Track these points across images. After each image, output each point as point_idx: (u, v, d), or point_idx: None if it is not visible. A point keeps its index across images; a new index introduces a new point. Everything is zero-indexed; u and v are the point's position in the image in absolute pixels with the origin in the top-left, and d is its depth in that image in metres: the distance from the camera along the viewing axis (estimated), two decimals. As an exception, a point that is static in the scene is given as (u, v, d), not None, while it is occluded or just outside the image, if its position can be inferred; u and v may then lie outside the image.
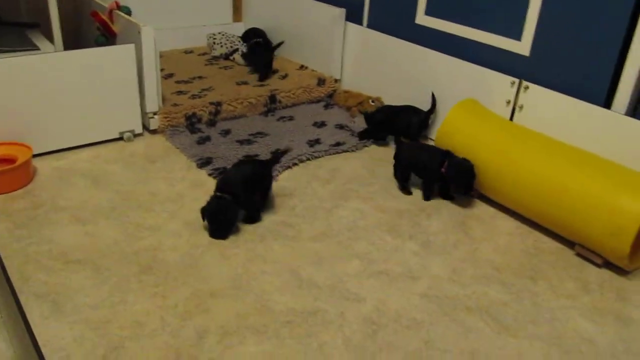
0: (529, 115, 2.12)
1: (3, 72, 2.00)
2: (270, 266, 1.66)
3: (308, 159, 2.28)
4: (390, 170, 2.19)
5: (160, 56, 2.53)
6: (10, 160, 1.98)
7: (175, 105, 2.47)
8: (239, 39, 3.23)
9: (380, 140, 2.48)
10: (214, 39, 3.24)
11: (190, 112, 2.46)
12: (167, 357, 1.33)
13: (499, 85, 2.20)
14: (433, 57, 2.44)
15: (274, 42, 3.16)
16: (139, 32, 2.23)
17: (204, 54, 3.25)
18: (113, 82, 2.23)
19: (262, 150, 2.29)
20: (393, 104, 2.58)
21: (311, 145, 2.37)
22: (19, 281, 1.53)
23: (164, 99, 2.47)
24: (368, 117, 2.46)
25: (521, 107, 2.14)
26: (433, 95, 2.41)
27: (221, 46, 3.19)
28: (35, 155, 2.11)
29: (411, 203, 2.04)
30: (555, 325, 1.50)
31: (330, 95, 2.87)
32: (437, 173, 1.99)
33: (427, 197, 2.06)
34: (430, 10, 2.46)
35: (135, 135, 2.38)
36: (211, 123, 2.51)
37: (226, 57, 3.17)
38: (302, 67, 3.04)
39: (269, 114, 2.66)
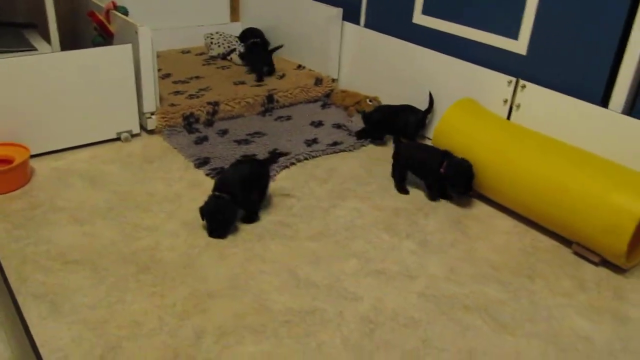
0: (526, 114, 2.13)
1: (0, 73, 2.00)
2: (268, 266, 1.66)
3: (305, 159, 2.29)
4: (388, 169, 2.19)
5: (158, 56, 2.53)
6: (7, 161, 1.98)
7: (172, 105, 2.47)
8: (237, 39, 3.23)
9: (378, 140, 2.49)
10: (212, 39, 3.24)
11: (188, 112, 2.46)
12: (164, 356, 1.33)
13: (496, 84, 2.20)
14: (430, 57, 2.45)
15: (272, 41, 3.16)
16: (136, 32, 2.23)
17: (202, 54, 3.25)
18: (110, 83, 2.23)
19: (259, 150, 2.29)
20: (390, 103, 2.58)
21: (309, 145, 2.37)
22: (17, 282, 1.53)
23: (161, 99, 2.47)
24: (365, 116, 2.46)
25: (518, 106, 2.15)
26: (430, 94, 2.41)
27: (218, 46, 3.19)
28: (32, 156, 2.11)
29: (408, 202, 2.04)
30: (553, 323, 1.51)
31: (328, 95, 2.87)
32: (436, 173, 2.00)
33: (432, 198, 2.06)
34: (428, 10, 2.46)
35: (133, 136, 2.38)
36: (209, 123, 2.51)
37: (223, 57, 3.17)
38: (299, 66, 3.04)
39: (266, 114, 2.66)
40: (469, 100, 2.19)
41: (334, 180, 2.15)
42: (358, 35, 2.78)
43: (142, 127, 2.42)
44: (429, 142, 2.32)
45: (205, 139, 2.37)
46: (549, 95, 2.04)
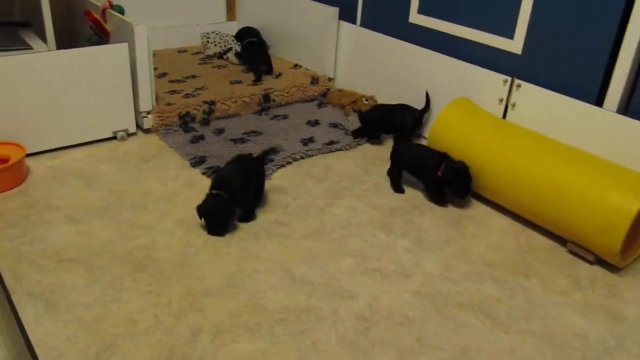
0: (522, 113, 2.13)
1: (-4, 72, 2.00)
2: (263, 264, 1.66)
3: (302, 158, 2.29)
4: (384, 168, 2.19)
5: (154, 55, 2.52)
6: (3, 160, 1.98)
7: (168, 104, 2.47)
8: (233, 38, 3.23)
9: (374, 139, 2.49)
10: (208, 38, 3.24)
11: (184, 111, 2.47)
12: (160, 355, 1.33)
13: (491, 84, 2.21)
14: (426, 56, 2.45)
15: (268, 41, 3.16)
16: (132, 31, 2.23)
17: (198, 53, 3.25)
18: (106, 82, 2.23)
19: (255, 149, 2.29)
20: (387, 102, 2.59)
21: (305, 144, 2.37)
22: (12, 281, 1.53)
23: (157, 98, 2.47)
24: (362, 115, 2.47)
25: (513, 105, 2.15)
26: (427, 93, 2.41)
27: (215, 45, 3.19)
28: (28, 155, 2.11)
29: (404, 201, 2.05)
30: (548, 321, 1.51)
31: (324, 94, 2.87)
32: (433, 176, 1.99)
33: (435, 201, 2.04)
34: (423, 9, 2.47)
35: (129, 135, 2.38)
36: (205, 122, 2.51)
37: (220, 56, 3.17)
38: (295, 65, 3.04)
39: (262, 113, 2.66)
40: (465, 100, 2.19)
41: (330, 179, 2.15)
42: (354, 34, 2.79)
43: (138, 126, 2.42)
44: (424, 141, 2.32)
45: (201, 137, 2.37)
46: (544, 95, 2.05)
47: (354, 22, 2.81)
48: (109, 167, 2.14)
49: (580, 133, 1.96)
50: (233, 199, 1.79)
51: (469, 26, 2.30)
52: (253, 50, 2.99)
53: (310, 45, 2.96)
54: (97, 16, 2.50)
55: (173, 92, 2.62)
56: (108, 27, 2.50)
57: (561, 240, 1.85)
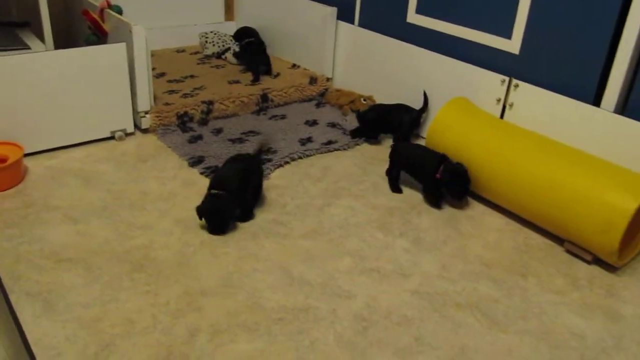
0: (519, 113, 2.14)
1: (-7, 72, 2.00)
2: (261, 264, 1.66)
3: (300, 158, 2.29)
4: (382, 168, 2.19)
5: (152, 55, 2.52)
6: (1, 160, 1.98)
7: (167, 104, 2.47)
8: (231, 38, 3.23)
9: (372, 139, 2.49)
10: (206, 38, 3.24)
11: (182, 111, 2.47)
12: (158, 354, 1.33)
13: (489, 84, 2.21)
14: (424, 56, 2.45)
15: (266, 41, 3.16)
16: (130, 31, 2.23)
17: (196, 53, 3.25)
18: (104, 81, 2.23)
19: (253, 149, 2.29)
20: (385, 102, 2.59)
21: (303, 144, 2.37)
22: (10, 280, 1.53)
23: (155, 98, 2.47)
24: (360, 115, 2.47)
25: (511, 105, 2.16)
26: (425, 93, 2.42)
27: (213, 45, 3.19)
28: (26, 155, 2.11)
29: (402, 200, 2.05)
30: (545, 320, 1.52)
31: (322, 94, 2.88)
32: (432, 177, 1.99)
33: (431, 203, 2.03)
34: (421, 9, 2.47)
35: (127, 135, 2.38)
36: (203, 122, 2.51)
37: (218, 56, 3.17)
38: (294, 65, 3.04)
39: (261, 113, 2.67)
40: (463, 100, 2.19)
41: (328, 179, 2.15)
42: (352, 34, 2.79)
43: (136, 126, 2.42)
44: (422, 141, 2.32)
45: (199, 137, 2.37)
46: (541, 95, 2.05)
47: (352, 22, 2.81)
48: (107, 167, 2.14)
49: (577, 133, 1.96)
50: (232, 197, 1.79)
51: (466, 26, 2.30)
52: (252, 50, 2.99)
53: (308, 45, 2.96)
54: (95, 16, 2.50)
55: (171, 92, 2.62)
56: (106, 27, 2.50)
57: (559, 240, 1.85)
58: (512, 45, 2.16)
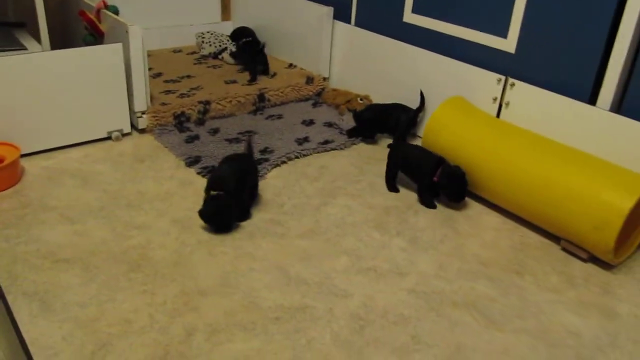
0: (515, 112, 2.14)
1: (-10, 72, 2.00)
2: (258, 263, 1.66)
3: (297, 157, 2.29)
4: (379, 168, 2.20)
5: (149, 55, 2.53)
6: (-3, 160, 1.98)
7: (163, 104, 2.47)
8: (228, 38, 3.23)
9: (369, 138, 2.50)
10: (203, 38, 3.24)
11: (179, 111, 2.47)
12: (155, 354, 1.33)
13: (485, 83, 2.22)
14: (420, 55, 2.46)
15: (263, 40, 3.16)
16: (127, 32, 2.23)
17: (193, 53, 3.25)
18: (101, 82, 2.23)
19: (254, 150, 2.29)
20: (381, 102, 2.59)
21: (300, 144, 2.37)
22: (7, 280, 1.53)
23: (152, 98, 2.47)
24: (357, 115, 2.47)
25: (507, 104, 2.16)
26: (421, 93, 2.42)
27: (210, 45, 3.19)
28: (23, 155, 2.11)
29: (399, 200, 2.05)
30: (542, 319, 1.52)
31: (319, 94, 2.88)
32: (429, 180, 1.99)
33: (426, 204, 2.03)
34: (418, 9, 2.48)
35: (124, 135, 2.37)
36: (200, 122, 2.51)
37: (215, 56, 3.17)
38: (290, 65, 3.05)
39: (257, 113, 2.67)
40: (459, 99, 2.20)
41: (324, 179, 2.15)
42: (349, 34, 2.79)
43: (133, 126, 2.42)
44: (419, 140, 2.32)
45: (196, 137, 2.38)
46: (537, 93, 2.06)
47: (349, 22, 2.81)
48: (103, 167, 2.14)
49: (573, 131, 1.97)
50: (230, 196, 1.79)
51: (462, 25, 2.31)
52: (250, 50, 2.99)
53: (305, 45, 2.96)
54: (92, 16, 2.50)
55: (168, 92, 2.62)
56: (103, 27, 2.50)
57: (555, 238, 1.86)
58: (508, 44, 2.16)
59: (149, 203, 1.92)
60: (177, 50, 3.28)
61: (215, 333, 1.40)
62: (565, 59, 2.01)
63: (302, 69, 2.99)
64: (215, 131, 2.44)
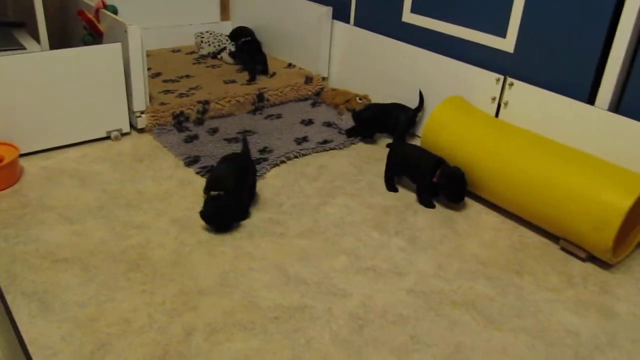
0: (514, 112, 2.14)
1: (-11, 72, 2.00)
2: (257, 263, 1.67)
3: (295, 157, 2.29)
4: (378, 167, 2.20)
5: (148, 55, 2.53)
6: (-4, 160, 1.98)
7: (162, 104, 2.47)
8: (227, 38, 3.23)
9: (368, 138, 2.50)
10: (202, 37, 3.24)
11: (178, 110, 2.47)
12: (154, 354, 1.33)
13: (484, 82, 2.22)
14: (419, 55, 2.46)
15: (262, 40, 3.16)
16: (126, 32, 2.23)
17: (192, 52, 3.25)
18: (100, 82, 2.23)
19: (250, 148, 2.29)
20: (380, 101, 2.59)
21: (299, 143, 2.38)
22: (6, 280, 1.53)
23: (151, 98, 2.47)
24: (356, 114, 2.47)
25: (506, 104, 2.16)
26: (420, 92, 2.42)
27: (209, 45, 3.19)
28: (22, 155, 2.11)
29: (398, 199, 2.05)
30: (540, 318, 1.52)
31: (318, 94, 2.88)
32: (429, 181, 1.99)
33: (425, 204, 2.03)
34: (416, 8, 2.48)
35: (123, 134, 2.37)
36: (199, 122, 2.51)
37: (214, 56, 3.17)
38: (289, 65, 3.05)
39: (256, 112, 2.67)
40: (458, 98, 2.20)
41: (323, 178, 2.15)
42: (348, 33, 2.79)
43: (132, 126, 2.42)
44: (418, 140, 2.32)
45: (195, 137, 2.38)
46: (536, 93, 2.06)
47: (348, 22, 2.82)
48: (102, 167, 2.14)
49: (572, 131, 1.97)
50: (230, 196, 1.80)
51: (461, 25, 2.31)
52: (249, 49, 2.99)
53: (304, 45, 2.96)
54: (91, 16, 2.50)
55: (167, 91, 2.62)
56: (101, 27, 2.50)
57: (554, 238, 1.86)
58: (507, 43, 2.17)
59: (148, 203, 1.92)
60: (176, 50, 3.28)
61: (214, 333, 1.40)
62: (564, 59, 2.01)
63: (301, 68, 2.99)
64: (214, 131, 2.44)
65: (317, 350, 1.37)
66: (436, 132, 2.11)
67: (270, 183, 2.09)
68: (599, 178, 1.72)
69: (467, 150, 2.00)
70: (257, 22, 3.27)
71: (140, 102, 2.36)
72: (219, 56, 3.15)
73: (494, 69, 2.20)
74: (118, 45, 2.23)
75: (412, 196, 2.08)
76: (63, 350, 1.33)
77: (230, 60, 3.08)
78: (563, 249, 1.81)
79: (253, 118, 2.61)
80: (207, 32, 3.27)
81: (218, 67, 3.03)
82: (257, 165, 2.11)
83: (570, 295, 1.62)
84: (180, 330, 1.40)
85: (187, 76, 2.85)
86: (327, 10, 2.79)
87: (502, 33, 2.17)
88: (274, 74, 2.91)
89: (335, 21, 2.83)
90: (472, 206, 2.04)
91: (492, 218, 1.97)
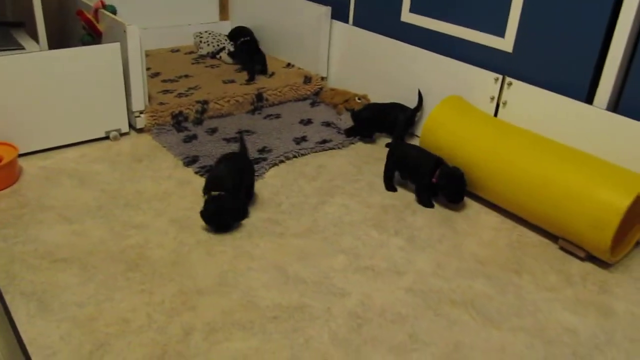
0: (513, 111, 2.14)
1: (-13, 72, 2.00)
2: (256, 263, 1.67)
3: (294, 157, 2.30)
4: (377, 167, 2.20)
5: (147, 55, 2.53)
6: (-5, 160, 1.98)
7: (161, 104, 2.47)
8: (226, 38, 3.23)
9: (367, 138, 2.50)
10: (201, 37, 3.24)
11: (177, 110, 2.47)
12: (153, 353, 1.33)
13: (483, 82, 2.22)
14: (418, 55, 2.46)
15: (261, 40, 3.16)
16: (125, 31, 2.23)
17: (191, 52, 3.25)
18: (99, 82, 2.23)
19: (249, 148, 2.29)
20: (379, 101, 2.59)
21: (297, 143, 2.38)
22: (5, 280, 1.53)
23: (150, 98, 2.47)
24: (354, 114, 2.47)
25: (505, 103, 2.16)
26: (419, 92, 2.42)
27: (208, 45, 3.19)
28: (21, 155, 2.11)
29: (397, 199, 2.05)
30: (539, 317, 1.52)
31: (317, 93, 2.88)
32: (427, 181, 1.99)
33: (424, 204, 2.03)
34: (415, 8, 2.48)
35: (122, 134, 2.37)
36: (198, 121, 2.51)
37: (213, 55, 3.17)
38: (288, 65, 3.05)
39: (255, 112, 2.67)
40: (457, 98, 2.20)
41: (322, 178, 2.16)
42: (347, 33, 2.79)
43: (131, 126, 2.42)
44: (417, 140, 2.33)
45: (194, 137, 2.38)
46: (535, 92, 2.06)
47: (347, 21, 2.82)
48: (101, 166, 2.14)
49: (571, 130, 1.97)
50: (229, 195, 1.80)
51: (460, 25, 2.31)
52: (248, 49, 2.99)
53: (303, 45, 2.96)
54: (90, 16, 2.50)
55: (166, 91, 2.62)
56: (100, 27, 2.50)
57: (552, 237, 1.86)
58: (506, 43, 2.17)
59: (147, 202, 1.92)
60: (175, 50, 3.28)
61: (213, 332, 1.40)
62: (562, 58, 2.01)
63: (300, 68, 2.99)
64: (213, 131, 2.44)
65: (316, 349, 1.37)
66: (435, 131, 2.11)
67: (269, 183, 2.09)
68: (597, 177, 1.72)
69: (466, 150, 2.00)
70: (256, 22, 3.27)
71: (139, 102, 2.36)
72: (218, 56, 3.15)
73: (492, 68, 2.20)
74: (117, 45, 2.23)
75: (411, 196, 2.08)
76: (62, 350, 1.33)
77: (229, 60, 3.09)
78: (562, 248, 1.81)
79: (252, 118, 2.61)
80: (206, 32, 3.27)
81: (217, 67, 3.03)
82: (256, 165, 2.11)
83: (569, 294, 1.62)
84: (179, 330, 1.40)
85: (186, 76, 2.85)
86: (326, 10, 2.79)
87: (500, 33, 2.17)
88: (273, 73, 2.91)
89: (334, 21, 2.83)
90: (471, 206, 2.04)
91: (491, 218, 1.97)
